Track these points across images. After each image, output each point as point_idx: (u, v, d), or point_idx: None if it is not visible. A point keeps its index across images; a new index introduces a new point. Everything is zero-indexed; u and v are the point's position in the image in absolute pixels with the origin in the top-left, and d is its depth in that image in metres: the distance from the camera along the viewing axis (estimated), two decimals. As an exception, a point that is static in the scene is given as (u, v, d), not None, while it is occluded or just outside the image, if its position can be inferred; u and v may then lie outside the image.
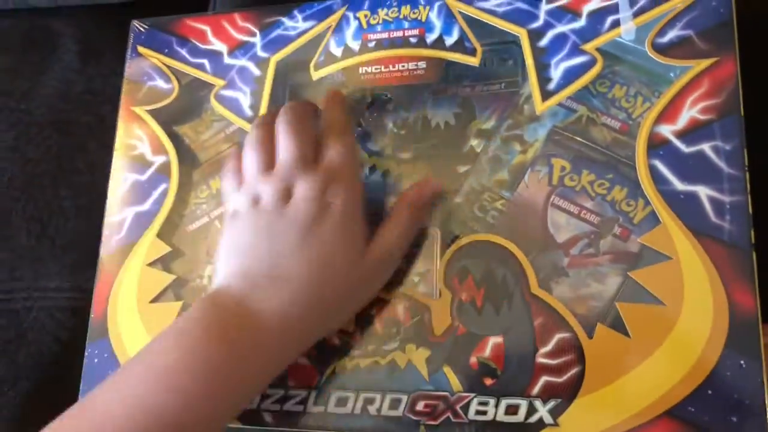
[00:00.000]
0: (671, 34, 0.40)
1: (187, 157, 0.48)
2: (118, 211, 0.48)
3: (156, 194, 0.47)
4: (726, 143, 0.38)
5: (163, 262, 0.46)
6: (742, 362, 0.35)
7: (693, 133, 0.39)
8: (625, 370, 0.36)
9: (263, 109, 0.47)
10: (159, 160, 0.48)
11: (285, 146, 0.40)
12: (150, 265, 0.46)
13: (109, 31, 0.59)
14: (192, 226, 0.46)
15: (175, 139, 0.48)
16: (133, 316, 0.45)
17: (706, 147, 0.38)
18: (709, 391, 0.35)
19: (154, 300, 0.45)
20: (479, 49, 0.44)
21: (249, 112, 0.47)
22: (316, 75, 0.47)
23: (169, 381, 0.34)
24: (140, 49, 0.51)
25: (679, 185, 0.38)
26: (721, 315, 0.36)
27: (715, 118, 0.38)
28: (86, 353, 0.45)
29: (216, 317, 0.36)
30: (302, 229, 0.38)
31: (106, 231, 0.48)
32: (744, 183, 0.37)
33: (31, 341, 0.47)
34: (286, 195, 0.39)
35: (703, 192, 0.38)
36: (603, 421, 0.36)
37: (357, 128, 0.46)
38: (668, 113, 0.39)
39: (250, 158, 0.41)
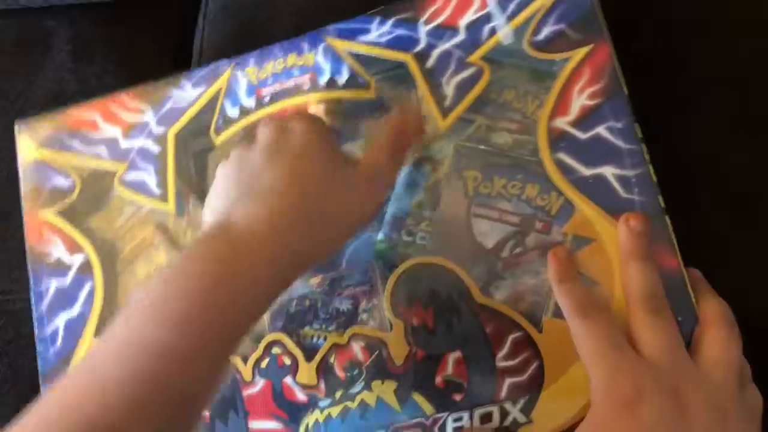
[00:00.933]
0: (546, 31, 0.43)
1: (104, 249, 0.47)
2: (48, 323, 0.46)
3: (83, 295, 0.46)
4: (618, 122, 0.41)
5: (107, 362, 0.45)
6: (679, 318, 0.37)
7: (586, 119, 0.41)
8: (578, 354, 0.38)
9: (171, 185, 0.47)
10: (77, 259, 0.47)
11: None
12: (95, 367, 0.45)
13: (101, 30, 0.60)
14: (128, 317, 0.45)
15: (89, 234, 0.47)
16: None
17: (601, 129, 0.41)
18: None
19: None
20: (372, 82, 0.45)
21: (157, 190, 0.47)
22: (218, 140, 0.47)
23: (155, 313, 0.33)
24: (30, 149, 0.49)
25: (585, 171, 0.41)
26: (652, 281, 0.38)
27: (602, 101, 0.41)
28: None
29: (201, 244, 0.35)
30: (269, 149, 0.38)
31: (40, 347, 0.46)
32: (642, 155, 0.40)
33: (31, 343, 0.46)
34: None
35: (609, 172, 0.40)
36: (572, 406, 0.38)
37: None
38: (559, 106, 0.42)
39: None
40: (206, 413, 0.43)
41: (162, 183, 0.47)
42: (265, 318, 0.44)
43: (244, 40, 0.53)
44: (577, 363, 0.38)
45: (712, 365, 0.36)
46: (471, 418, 0.39)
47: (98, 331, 0.45)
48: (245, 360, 0.43)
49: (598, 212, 0.40)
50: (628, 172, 0.40)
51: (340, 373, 0.42)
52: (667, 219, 0.39)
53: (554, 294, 0.39)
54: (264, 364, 0.43)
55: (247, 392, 0.43)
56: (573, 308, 0.38)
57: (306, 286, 0.43)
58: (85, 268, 0.46)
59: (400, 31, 0.45)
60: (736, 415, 0.35)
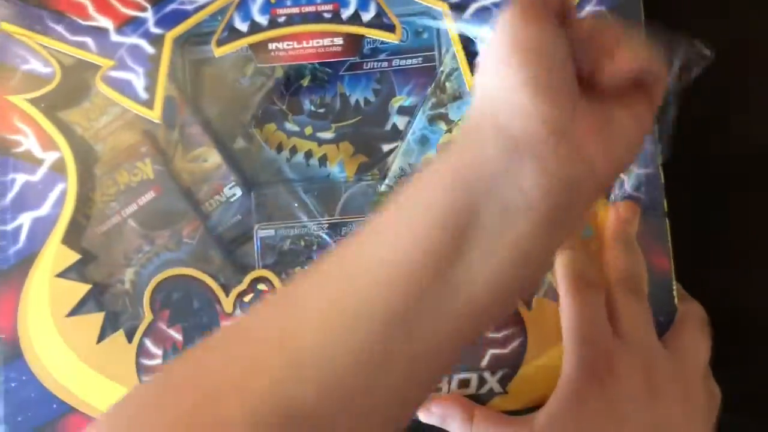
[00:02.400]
0: (587, 9, 0.42)
1: (82, 149, 0.43)
2: (10, 219, 0.43)
3: (53, 195, 0.43)
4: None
5: (75, 270, 0.42)
6: (661, 318, 0.39)
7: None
8: (560, 333, 0.40)
9: (160, 92, 0.43)
10: (51, 156, 0.43)
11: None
12: (60, 275, 0.42)
13: None
14: (102, 227, 0.43)
15: (65, 130, 0.43)
16: (50, 332, 0.42)
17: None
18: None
19: (72, 313, 0.42)
20: (398, 26, 0.43)
21: (144, 95, 0.43)
22: (219, 52, 0.43)
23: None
24: (4, 25, 0.44)
25: (601, 160, 0.41)
26: (641, 279, 0.40)
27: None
28: (1, 378, 0.42)
29: None
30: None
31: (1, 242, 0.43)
32: (656, 156, 0.41)
33: None
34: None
35: (621, 165, 0.41)
36: (547, 385, 0.39)
37: (271, 107, 0.44)
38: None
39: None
40: (179, 338, 0.42)
41: (150, 88, 0.43)
42: (256, 253, 0.42)
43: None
44: (559, 345, 0.40)
45: (682, 352, 0.38)
46: (449, 381, 0.40)
47: (66, 237, 0.42)
48: (228, 291, 0.42)
49: (603, 204, 0.41)
50: (639, 170, 0.41)
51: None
52: (667, 221, 0.40)
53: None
54: (247, 298, 0.42)
55: (224, 323, 0.42)
56: (567, 279, 0.39)
57: (303, 226, 0.42)
58: (59, 167, 0.43)
59: (440, -23, 0.43)
60: (701, 401, 0.38)
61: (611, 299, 0.38)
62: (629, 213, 0.40)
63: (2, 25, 0.44)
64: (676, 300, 0.40)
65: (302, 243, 0.42)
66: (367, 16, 0.43)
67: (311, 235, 0.42)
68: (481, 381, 0.40)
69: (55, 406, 0.41)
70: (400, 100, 0.43)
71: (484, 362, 0.40)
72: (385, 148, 0.43)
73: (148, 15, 0.43)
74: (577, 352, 0.37)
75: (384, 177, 0.43)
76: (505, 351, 0.40)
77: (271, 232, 0.42)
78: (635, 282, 0.39)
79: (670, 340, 0.39)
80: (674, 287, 0.40)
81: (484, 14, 0.42)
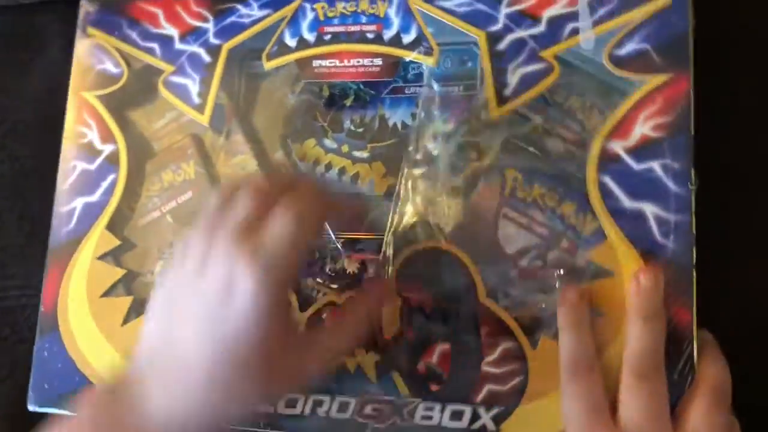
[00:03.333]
0: (629, 47, 0.40)
1: (138, 146, 0.47)
2: (66, 201, 0.47)
3: (105, 184, 0.46)
4: (675, 162, 0.39)
5: (113, 256, 0.46)
6: (675, 377, 0.37)
7: (643, 150, 0.39)
8: (564, 380, 0.38)
9: (211, 98, 0.46)
10: (108, 148, 0.47)
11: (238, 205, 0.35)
12: (100, 258, 0.46)
13: None
14: (143, 219, 0.46)
15: (125, 126, 0.47)
16: (84, 310, 0.45)
17: (655, 165, 0.39)
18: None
19: (105, 294, 0.45)
20: (436, 49, 0.43)
21: (197, 100, 0.46)
22: (268, 65, 0.46)
23: None
24: (90, 30, 0.49)
25: (627, 202, 0.39)
26: (659, 332, 0.37)
27: (665, 136, 0.39)
28: (35, 346, 0.45)
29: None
30: (211, 304, 0.33)
31: (55, 221, 0.47)
32: (689, 202, 0.38)
33: (27, 338, 0.47)
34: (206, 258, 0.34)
35: (650, 210, 0.39)
36: (543, 429, 0.38)
37: (314, 122, 0.45)
38: (620, 129, 0.40)
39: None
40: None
41: (203, 94, 0.46)
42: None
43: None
44: (560, 391, 0.38)
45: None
46: (442, 411, 0.39)
47: (110, 224, 0.46)
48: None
49: (628, 247, 0.39)
50: (671, 216, 0.38)
51: (328, 331, 0.42)
52: (694, 273, 0.38)
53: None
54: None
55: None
56: (566, 362, 0.37)
57: (321, 238, 0.43)
58: (113, 159, 0.47)
59: (481, 6, 0.43)
60: None
61: (623, 380, 0.36)
62: (652, 281, 0.37)
63: (89, 30, 0.49)
64: (695, 361, 0.37)
65: (317, 255, 0.43)
66: (407, 39, 0.44)
67: (324, 247, 0.43)
68: (475, 416, 0.39)
69: (77, 378, 0.44)
70: (437, 126, 0.43)
71: (480, 397, 0.39)
72: (416, 172, 0.43)
73: (210, 26, 0.47)
74: None
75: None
76: (504, 388, 0.39)
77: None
78: (650, 363, 0.36)
79: (678, 418, 0.36)
80: (694, 346, 0.37)
81: (519, 46, 0.42)
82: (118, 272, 0.45)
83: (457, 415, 0.39)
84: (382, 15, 0.44)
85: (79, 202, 0.47)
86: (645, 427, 0.35)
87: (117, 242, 0.46)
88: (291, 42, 0.45)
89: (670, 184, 0.38)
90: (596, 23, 0.41)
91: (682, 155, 0.39)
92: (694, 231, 0.38)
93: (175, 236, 0.45)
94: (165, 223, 0.46)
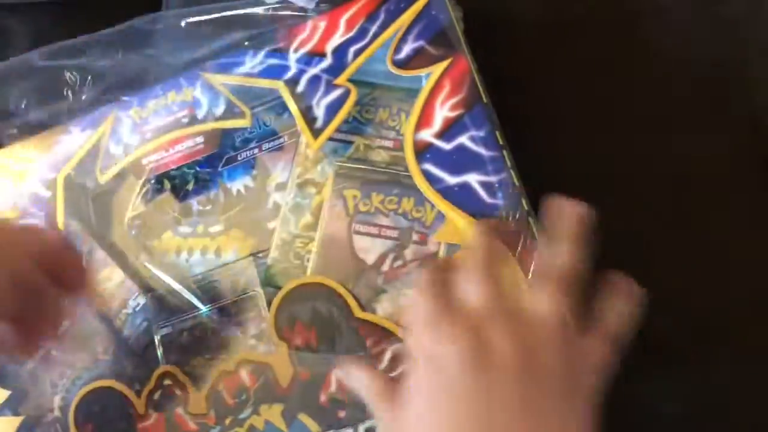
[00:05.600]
0: (406, 49, 0.44)
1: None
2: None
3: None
4: (479, 131, 0.42)
5: (7, 407, 0.45)
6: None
7: (449, 130, 0.42)
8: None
9: (61, 226, 0.47)
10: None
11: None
12: (-6, 414, 0.45)
13: (62, 29, 0.56)
14: (29, 364, 0.46)
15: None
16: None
17: (464, 139, 0.42)
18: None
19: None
20: (248, 112, 0.46)
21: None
22: (103, 179, 0.48)
23: None
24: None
25: (451, 179, 0.41)
26: (518, 283, 0.39)
27: (464, 112, 0.42)
28: None
29: None
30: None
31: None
32: (504, 161, 0.41)
33: None
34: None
35: (473, 179, 0.41)
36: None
37: (165, 216, 0.47)
38: (424, 119, 0.43)
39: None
40: (103, 451, 0.43)
41: (54, 226, 0.47)
42: (159, 352, 0.44)
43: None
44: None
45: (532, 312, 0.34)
46: (356, 430, 0.40)
47: (-2, 379, 0.46)
48: (139, 394, 0.43)
49: (465, 219, 0.41)
50: (491, 178, 0.41)
51: (229, 400, 0.42)
52: (531, 221, 0.40)
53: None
54: (157, 396, 0.43)
55: (142, 425, 0.43)
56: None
57: (198, 317, 0.44)
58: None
59: (272, 61, 0.46)
60: (554, 359, 0.33)
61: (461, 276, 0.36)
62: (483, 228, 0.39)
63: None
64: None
65: (197, 333, 0.44)
66: (219, 111, 0.46)
67: (204, 323, 0.44)
68: (385, 425, 0.39)
69: None
70: (276, 178, 0.46)
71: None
72: (270, 225, 0.45)
73: (40, 164, 0.48)
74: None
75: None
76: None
77: (170, 329, 0.44)
78: (487, 260, 0.36)
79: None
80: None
81: (315, 82, 0.45)
82: (16, 420, 0.45)
83: (371, 431, 0.39)
84: (190, 99, 0.47)
85: (-41, 370, 0.46)
86: (484, 306, 0.34)
87: (6, 393, 0.45)
88: (117, 150, 0.48)
89: (482, 151, 0.41)
90: (372, 40, 0.44)
91: (483, 123, 0.42)
92: (517, 182, 0.41)
93: (64, 366, 0.45)
94: (51, 358, 0.46)
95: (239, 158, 0.46)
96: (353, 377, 0.37)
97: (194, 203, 0.47)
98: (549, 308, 0.33)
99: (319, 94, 0.45)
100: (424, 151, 0.42)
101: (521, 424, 0.31)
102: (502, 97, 0.43)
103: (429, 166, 0.42)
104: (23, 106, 0.49)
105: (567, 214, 0.36)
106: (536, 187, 0.41)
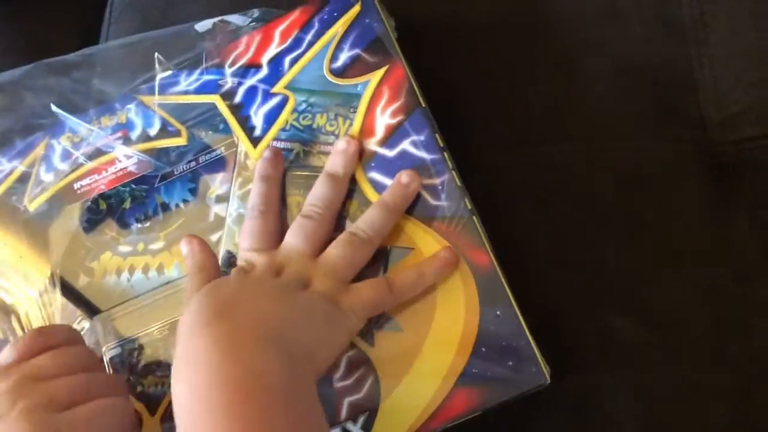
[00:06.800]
0: (343, 57, 0.44)
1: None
2: None
3: None
4: (419, 135, 0.42)
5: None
6: (498, 312, 0.39)
7: (392, 137, 0.43)
8: (409, 361, 0.39)
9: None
10: None
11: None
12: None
13: (4, 25, 0.59)
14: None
15: None
16: None
17: (405, 144, 0.42)
18: (483, 348, 0.38)
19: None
20: (183, 129, 0.45)
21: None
22: (32, 206, 0.46)
23: None
24: None
25: (396, 185, 0.42)
26: (468, 280, 0.39)
27: (404, 118, 0.43)
28: None
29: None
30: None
31: None
32: (445, 162, 0.42)
33: None
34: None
35: (417, 183, 0.42)
36: (409, 416, 0.38)
37: (103, 237, 0.45)
38: (366, 129, 0.43)
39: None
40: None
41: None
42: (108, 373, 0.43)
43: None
44: (411, 372, 0.39)
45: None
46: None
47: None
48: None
49: (413, 222, 0.41)
50: (435, 180, 0.42)
51: (183, 423, 0.41)
52: (476, 220, 0.41)
53: None
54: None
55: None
56: (248, 205, 0.43)
57: (147, 335, 0.43)
58: None
59: (208, 77, 0.46)
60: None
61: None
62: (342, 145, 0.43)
63: None
64: (509, 292, 0.39)
65: (149, 352, 0.43)
66: (154, 131, 0.46)
67: (155, 341, 0.43)
68: (346, 433, 0.39)
69: None
70: (216, 190, 0.45)
71: (343, 414, 0.39)
72: (214, 237, 0.44)
73: (-37, 199, 0.47)
74: None
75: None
76: (360, 395, 0.39)
77: (118, 350, 0.43)
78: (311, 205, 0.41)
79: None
80: (503, 280, 0.40)
81: (252, 92, 0.45)
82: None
83: None
84: (124, 121, 0.46)
85: None
86: (296, 250, 0.40)
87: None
88: (47, 177, 0.46)
89: (424, 155, 0.42)
90: (308, 48, 0.45)
91: (422, 127, 0.42)
92: (459, 183, 0.41)
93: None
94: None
95: (176, 173, 0.46)
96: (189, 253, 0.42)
97: (132, 221, 0.46)
98: None
99: (257, 103, 0.45)
100: (368, 160, 0.43)
101: None
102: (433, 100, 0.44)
103: (375, 174, 0.42)
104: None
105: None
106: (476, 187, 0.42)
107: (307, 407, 0.34)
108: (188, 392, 0.33)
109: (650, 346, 0.42)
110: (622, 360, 0.42)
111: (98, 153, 0.46)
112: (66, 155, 0.46)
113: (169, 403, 0.41)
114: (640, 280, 0.43)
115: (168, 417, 0.41)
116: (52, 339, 0.38)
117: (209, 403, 0.32)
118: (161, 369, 0.42)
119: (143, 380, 0.42)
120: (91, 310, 0.45)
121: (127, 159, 0.45)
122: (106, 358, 0.43)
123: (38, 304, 0.45)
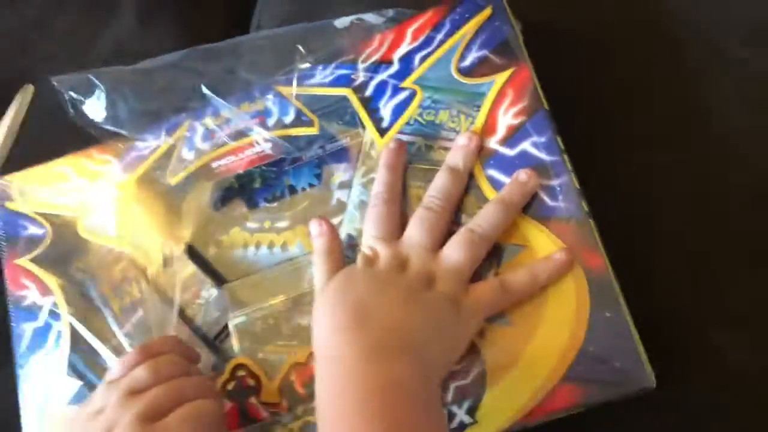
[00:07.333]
0: (471, 57, 0.46)
1: (75, 290, 0.49)
2: (25, 363, 0.48)
3: (53, 337, 0.48)
4: (540, 136, 0.44)
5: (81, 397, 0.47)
6: (607, 314, 0.40)
7: (512, 137, 0.44)
8: (517, 355, 0.41)
9: (128, 227, 0.50)
10: (48, 302, 0.49)
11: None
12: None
13: None
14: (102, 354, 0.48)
15: (61, 276, 0.50)
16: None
17: (526, 145, 0.44)
18: (591, 348, 0.40)
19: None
20: (315, 119, 0.48)
21: (115, 232, 0.50)
22: (174, 180, 0.50)
23: None
24: (8, 204, 0.52)
25: (515, 184, 0.43)
26: (580, 281, 0.41)
27: (526, 119, 0.44)
28: None
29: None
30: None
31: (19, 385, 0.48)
32: (564, 165, 0.43)
33: None
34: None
35: (536, 183, 0.43)
36: (513, 404, 0.40)
37: (233, 213, 0.49)
38: (488, 127, 0.45)
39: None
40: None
41: (121, 225, 0.50)
42: (235, 342, 0.46)
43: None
44: (517, 366, 0.40)
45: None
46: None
47: (69, 370, 0.48)
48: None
49: (527, 220, 0.43)
50: (553, 181, 0.43)
51: (300, 390, 0.44)
52: (592, 222, 0.42)
53: None
54: (231, 386, 0.45)
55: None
56: (373, 193, 0.45)
57: (271, 307, 0.46)
58: (54, 310, 0.49)
59: (341, 71, 0.49)
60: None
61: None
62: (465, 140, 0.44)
63: (6, 204, 0.52)
64: (620, 295, 0.40)
65: (271, 321, 0.46)
66: (288, 119, 0.49)
67: (277, 312, 0.46)
68: (450, 415, 0.41)
69: None
70: (339, 177, 0.48)
71: (449, 396, 0.41)
72: (335, 220, 0.47)
73: (114, 167, 0.51)
74: None
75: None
76: (467, 381, 0.41)
77: (243, 318, 0.46)
78: (435, 198, 0.43)
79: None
80: (614, 282, 0.40)
81: (382, 86, 0.47)
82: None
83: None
84: (262, 109, 0.50)
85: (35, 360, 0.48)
86: (418, 243, 0.42)
87: (80, 383, 0.47)
88: (189, 155, 0.50)
89: (544, 156, 0.43)
90: (438, 47, 0.47)
91: (544, 129, 0.44)
92: (577, 186, 0.42)
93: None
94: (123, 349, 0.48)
95: (304, 158, 0.49)
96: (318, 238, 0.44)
97: (261, 201, 0.49)
98: None
99: (386, 96, 0.47)
100: (488, 158, 0.44)
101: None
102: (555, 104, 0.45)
103: (493, 172, 0.44)
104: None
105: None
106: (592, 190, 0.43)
107: (436, 414, 0.37)
108: (328, 390, 0.37)
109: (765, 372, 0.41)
110: (734, 380, 0.42)
111: (239, 135, 0.49)
112: (206, 136, 0.50)
113: (286, 372, 0.44)
114: (754, 300, 0.43)
115: (285, 384, 0.44)
116: (151, 352, 0.43)
117: (349, 405, 0.35)
118: (282, 338, 0.45)
119: (265, 348, 0.45)
120: (218, 279, 0.48)
121: (264, 142, 0.49)
122: (231, 324, 0.46)
123: (165, 271, 0.49)
